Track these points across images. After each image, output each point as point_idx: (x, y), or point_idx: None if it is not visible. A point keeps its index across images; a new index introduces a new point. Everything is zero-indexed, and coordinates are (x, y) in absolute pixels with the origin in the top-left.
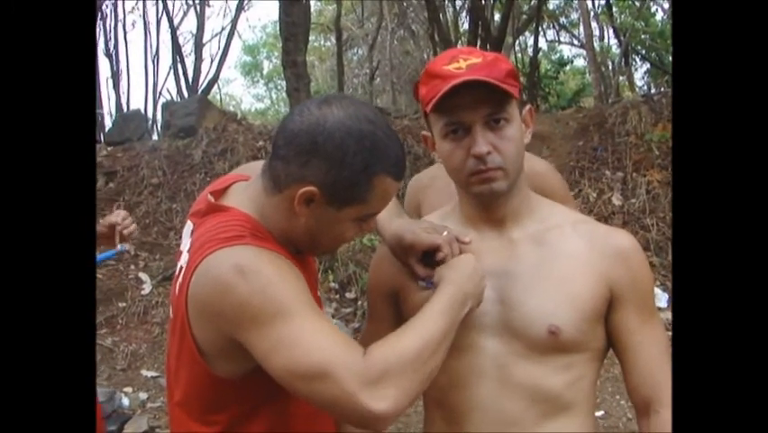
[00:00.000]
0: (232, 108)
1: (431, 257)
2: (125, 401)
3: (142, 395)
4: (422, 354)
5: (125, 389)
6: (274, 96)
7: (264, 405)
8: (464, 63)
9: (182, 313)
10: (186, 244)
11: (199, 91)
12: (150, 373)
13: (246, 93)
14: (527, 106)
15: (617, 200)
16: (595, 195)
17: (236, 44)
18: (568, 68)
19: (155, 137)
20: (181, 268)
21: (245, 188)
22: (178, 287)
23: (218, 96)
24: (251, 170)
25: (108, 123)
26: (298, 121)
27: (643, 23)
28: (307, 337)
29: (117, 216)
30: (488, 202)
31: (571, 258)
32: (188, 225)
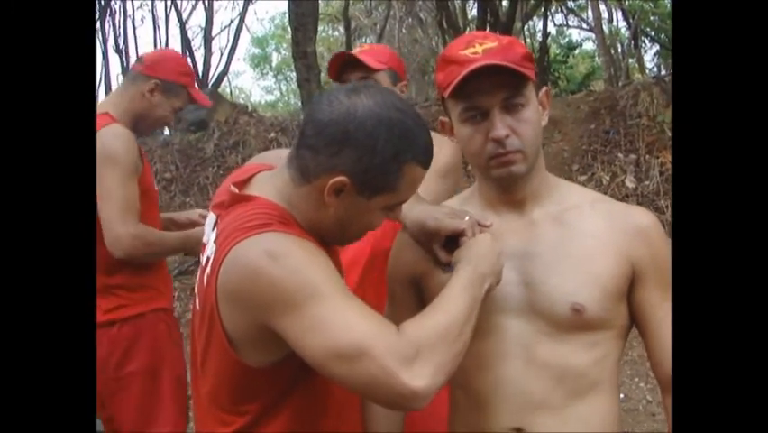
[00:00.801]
0: (242, 101)
1: (454, 242)
2: None
3: None
4: (452, 331)
5: None
6: (284, 87)
7: (293, 395)
8: (480, 48)
9: (211, 303)
10: (209, 235)
11: (209, 85)
12: None
13: (255, 85)
14: (543, 88)
15: (630, 183)
16: (608, 178)
17: (245, 37)
18: (577, 51)
19: (167, 132)
20: (208, 259)
21: (270, 178)
22: (206, 278)
23: (228, 90)
24: (271, 160)
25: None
26: (327, 111)
27: (651, 5)
28: (343, 317)
29: (194, 213)
30: (507, 185)
31: (591, 237)
32: (211, 217)
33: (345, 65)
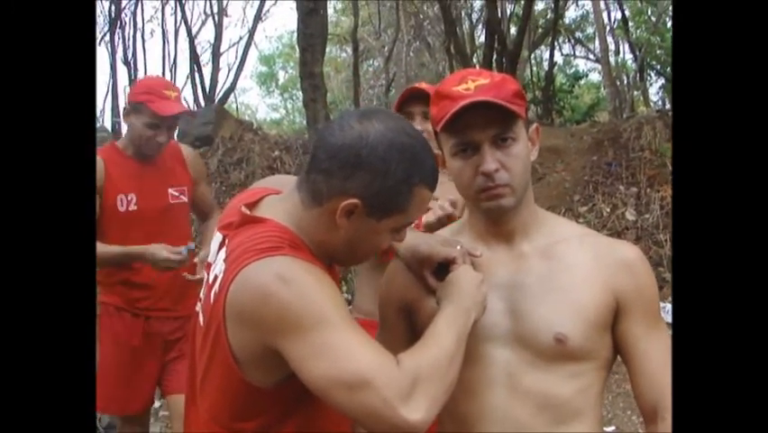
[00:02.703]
0: (247, 118)
1: (444, 270)
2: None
3: (156, 403)
4: (444, 364)
5: None
6: (289, 106)
7: (292, 416)
8: (473, 84)
9: (218, 321)
10: (215, 255)
11: (216, 100)
12: None
13: (262, 102)
14: (534, 125)
15: (630, 215)
16: (609, 210)
17: (253, 54)
18: (583, 82)
19: None
20: (216, 277)
21: (279, 202)
22: (213, 296)
23: (234, 106)
24: (278, 184)
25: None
26: (339, 135)
27: (658, 39)
28: (347, 347)
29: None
30: (496, 217)
31: (577, 269)
32: (217, 237)
33: (411, 97)
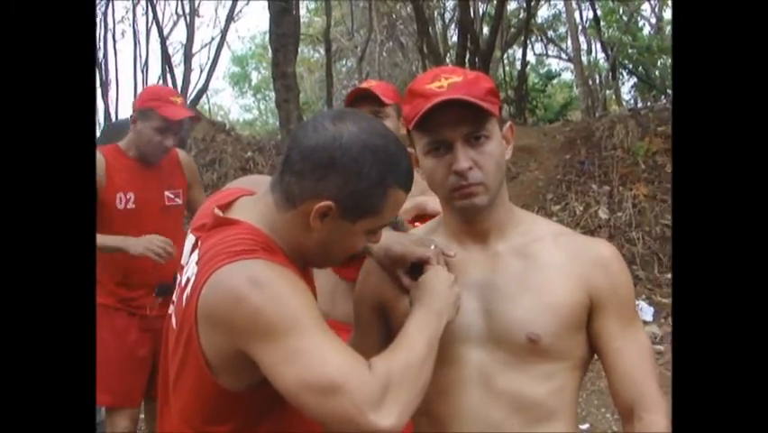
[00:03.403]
0: (220, 118)
1: (418, 269)
2: None
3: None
4: (415, 369)
5: None
6: (262, 106)
7: (265, 420)
8: (446, 82)
9: (190, 324)
10: (188, 257)
11: (188, 101)
12: None
13: (234, 103)
14: (508, 123)
15: (603, 214)
16: (582, 208)
17: (225, 54)
18: (555, 81)
19: None
20: (188, 280)
21: (253, 203)
22: (185, 299)
23: (207, 107)
24: (250, 184)
25: (97, 132)
26: (313, 137)
27: (630, 38)
28: (319, 352)
29: None
30: (470, 216)
31: (551, 268)
32: (190, 239)
33: (358, 98)
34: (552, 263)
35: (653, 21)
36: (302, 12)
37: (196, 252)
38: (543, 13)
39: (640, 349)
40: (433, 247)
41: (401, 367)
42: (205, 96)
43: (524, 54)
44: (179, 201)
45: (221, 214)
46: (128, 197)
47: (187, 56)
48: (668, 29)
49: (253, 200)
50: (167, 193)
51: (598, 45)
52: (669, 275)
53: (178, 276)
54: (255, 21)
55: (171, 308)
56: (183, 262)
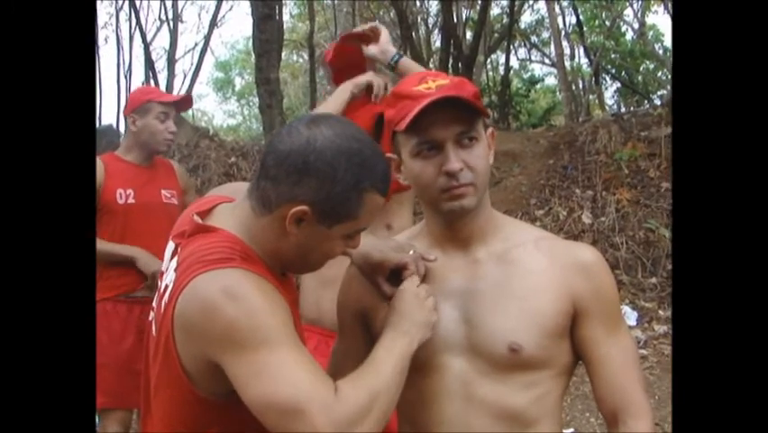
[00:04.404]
0: (204, 124)
1: (398, 276)
2: None
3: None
4: (381, 395)
5: None
6: (246, 112)
7: (247, 428)
8: (433, 84)
9: (167, 331)
10: (168, 264)
11: None
12: None
13: (218, 109)
14: (489, 129)
15: (586, 219)
16: (565, 213)
17: (209, 60)
18: (539, 86)
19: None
20: (166, 287)
21: (231, 210)
22: (163, 306)
23: (191, 112)
24: (232, 191)
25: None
26: (288, 141)
27: (613, 43)
28: (287, 370)
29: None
30: (455, 220)
31: (533, 275)
32: (170, 246)
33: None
34: (533, 270)
35: (636, 26)
36: (285, 17)
37: (176, 258)
38: (526, 18)
39: (625, 355)
40: (411, 252)
41: (366, 393)
42: None
43: (507, 59)
44: (175, 201)
45: (200, 221)
46: (128, 192)
47: (171, 61)
48: (650, 34)
49: (231, 207)
50: (163, 192)
51: (581, 50)
52: (653, 279)
53: (158, 282)
54: (239, 26)
55: (152, 315)
56: (163, 268)
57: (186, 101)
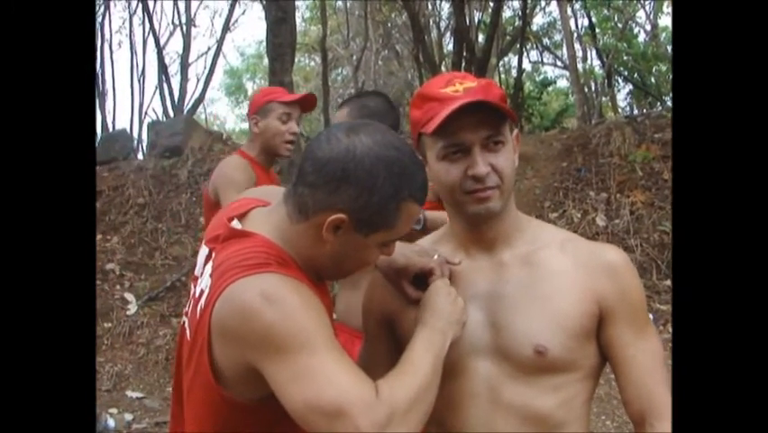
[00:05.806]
0: (216, 128)
1: (423, 280)
2: (111, 423)
3: (128, 416)
4: (420, 393)
5: (111, 410)
6: None
7: (276, 432)
8: (461, 87)
9: (203, 336)
10: (202, 268)
11: (185, 111)
12: (135, 394)
13: (231, 113)
14: (515, 131)
15: (600, 221)
16: (579, 216)
17: (221, 64)
18: (551, 88)
19: (141, 157)
20: (202, 292)
21: (267, 215)
22: (199, 311)
23: (203, 116)
24: (266, 195)
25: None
26: (327, 149)
27: (625, 45)
28: (329, 372)
29: None
30: (480, 223)
31: (558, 277)
32: (204, 251)
33: None
34: (558, 271)
35: (648, 28)
36: (298, 21)
37: (210, 263)
38: (538, 20)
39: (653, 357)
40: (436, 257)
41: (405, 392)
42: (201, 105)
43: (519, 62)
44: None
45: (235, 225)
46: None
47: (184, 66)
48: (663, 36)
49: (267, 212)
50: None
51: (594, 52)
52: (667, 282)
53: (192, 287)
54: (251, 30)
55: (184, 319)
56: (197, 273)
57: (309, 100)
